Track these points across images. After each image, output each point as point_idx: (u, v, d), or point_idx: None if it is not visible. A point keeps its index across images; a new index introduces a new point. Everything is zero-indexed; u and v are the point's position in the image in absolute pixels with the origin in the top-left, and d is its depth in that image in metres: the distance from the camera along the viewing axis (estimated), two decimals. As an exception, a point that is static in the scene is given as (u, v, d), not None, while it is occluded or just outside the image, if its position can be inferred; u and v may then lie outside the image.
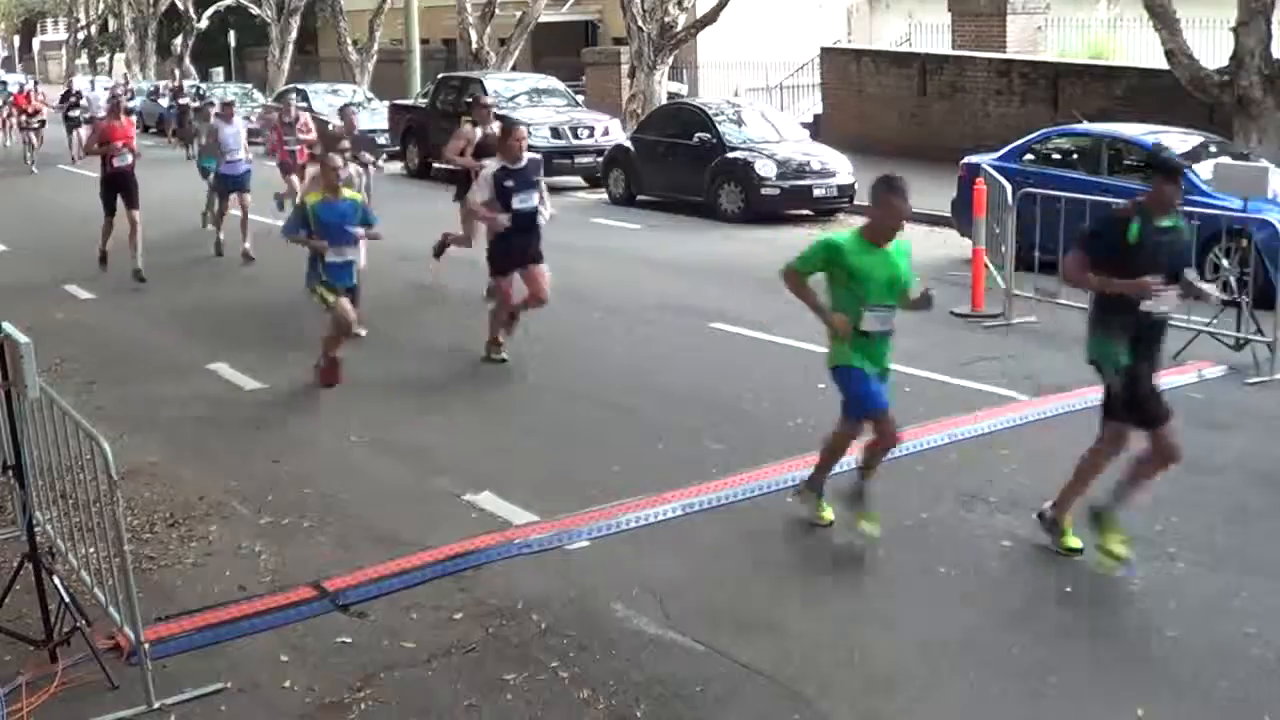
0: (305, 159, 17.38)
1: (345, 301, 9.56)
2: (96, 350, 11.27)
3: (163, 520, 7.16)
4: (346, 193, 9.72)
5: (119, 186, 14.54)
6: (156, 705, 5.12)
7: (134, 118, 14.85)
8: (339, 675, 5.41)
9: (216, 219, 16.78)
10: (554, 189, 23.00)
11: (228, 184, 16.34)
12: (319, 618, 5.95)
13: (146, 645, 5.15)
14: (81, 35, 65.64)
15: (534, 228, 10.20)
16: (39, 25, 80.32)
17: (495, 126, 12.94)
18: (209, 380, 10.25)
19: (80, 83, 36.29)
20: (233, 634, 5.79)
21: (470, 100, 16.44)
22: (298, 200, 12.16)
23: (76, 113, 29.21)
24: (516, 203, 10.00)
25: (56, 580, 5.57)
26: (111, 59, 60.27)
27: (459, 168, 13.58)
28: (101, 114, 31.90)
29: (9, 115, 32.18)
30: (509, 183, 10.00)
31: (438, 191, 20.33)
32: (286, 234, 9.88)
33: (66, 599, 5.48)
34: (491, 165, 10.16)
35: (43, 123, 29.59)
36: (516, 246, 10.16)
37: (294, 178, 17.58)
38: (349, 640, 5.71)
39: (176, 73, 41.06)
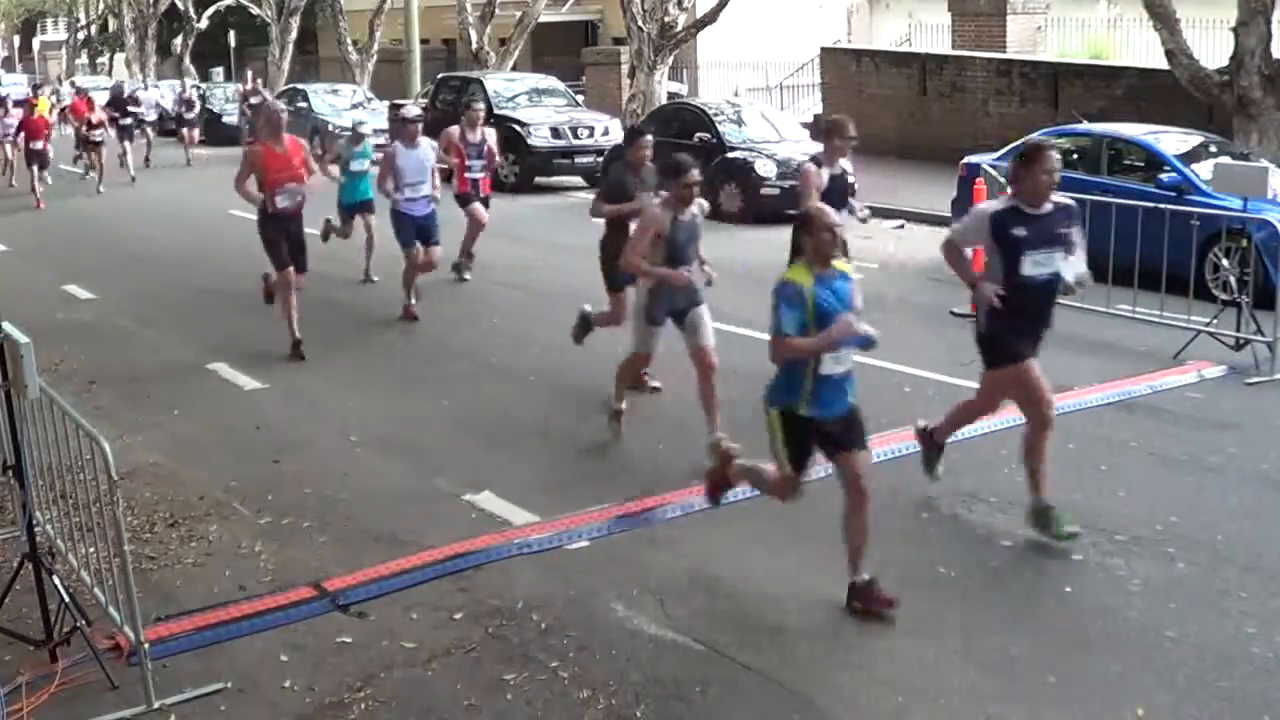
0: (488, 191, 14.32)
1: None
2: (96, 350, 11.26)
3: (163, 520, 7.16)
4: (838, 263, 5.94)
5: (288, 234, 10.57)
6: (156, 705, 5.12)
7: (299, 139, 10.93)
8: (339, 675, 5.41)
9: (406, 280, 12.25)
10: (554, 189, 23.24)
11: (407, 231, 12.13)
12: (319, 618, 5.95)
13: (146, 645, 5.15)
14: (81, 35, 65.63)
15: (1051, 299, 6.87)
16: (39, 25, 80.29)
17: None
18: (209, 380, 10.25)
19: (133, 84, 33.22)
20: (233, 634, 5.79)
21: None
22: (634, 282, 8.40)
23: (129, 120, 26.38)
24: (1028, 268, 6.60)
25: (56, 580, 5.57)
26: (111, 59, 60.25)
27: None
28: (149, 115, 28.79)
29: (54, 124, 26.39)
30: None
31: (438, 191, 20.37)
32: (783, 341, 5.71)
33: (66, 599, 5.48)
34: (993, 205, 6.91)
35: (103, 139, 24.36)
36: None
37: (477, 208, 13.98)
38: (349, 640, 5.71)
39: (249, 73, 35.87)
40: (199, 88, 36.28)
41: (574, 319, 9.70)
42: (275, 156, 10.35)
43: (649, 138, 9.76)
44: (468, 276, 14.03)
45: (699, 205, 8.02)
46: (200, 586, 6.31)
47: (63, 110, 29.12)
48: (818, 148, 10.51)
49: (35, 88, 27.73)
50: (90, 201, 22.92)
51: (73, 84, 36.78)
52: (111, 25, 60.74)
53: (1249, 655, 5.44)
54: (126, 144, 25.94)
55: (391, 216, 12.20)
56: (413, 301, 12.21)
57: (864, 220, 9.96)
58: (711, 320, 8.23)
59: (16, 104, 26.44)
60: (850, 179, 9.65)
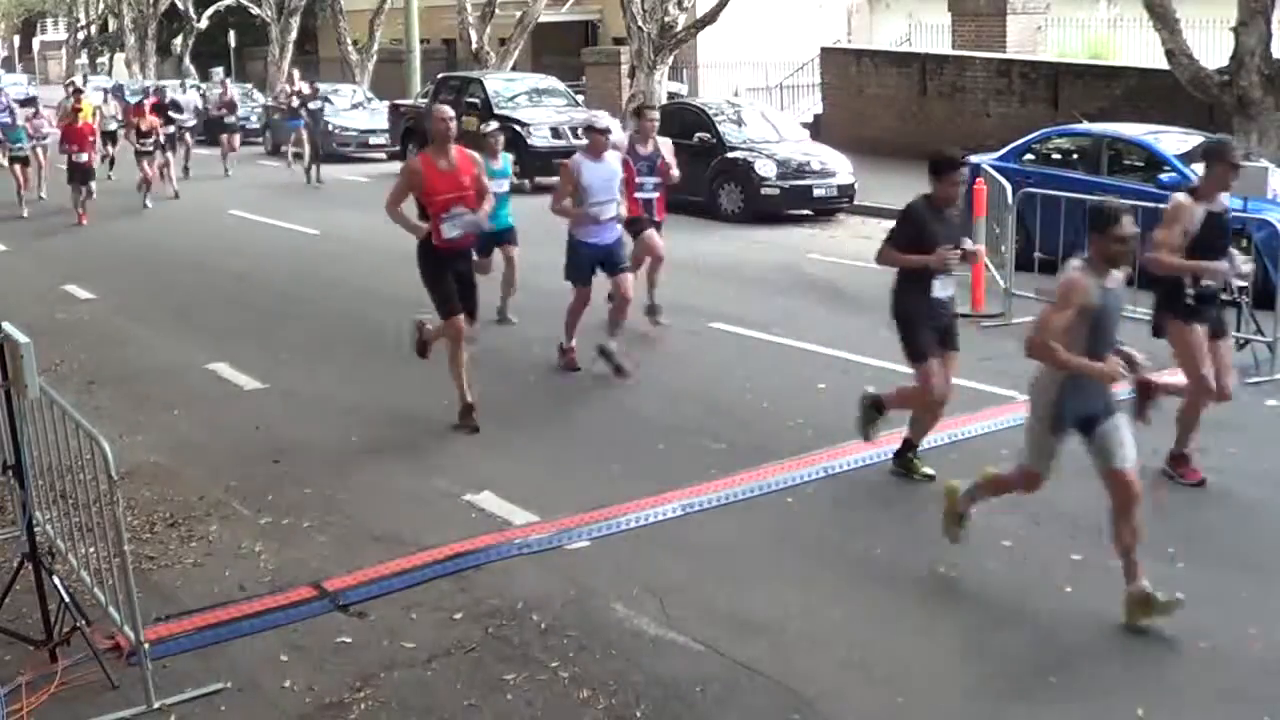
0: (663, 215, 11.62)
1: None
2: (96, 350, 11.26)
3: (163, 520, 7.16)
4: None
5: (457, 273, 8.70)
6: (156, 705, 5.12)
7: (469, 151, 8.72)
8: (339, 675, 5.41)
9: (571, 320, 10.17)
10: (554, 189, 23.18)
11: (584, 264, 9.90)
12: (319, 618, 5.95)
13: (146, 645, 5.15)
14: (81, 35, 65.65)
15: None
16: (39, 25, 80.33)
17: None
18: (209, 380, 10.24)
19: (173, 88, 30.07)
20: (233, 634, 5.78)
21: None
22: None
23: (171, 128, 23.86)
24: None
25: (56, 580, 5.57)
26: (111, 59, 60.27)
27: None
28: (190, 121, 25.77)
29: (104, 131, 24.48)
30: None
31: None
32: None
33: (66, 599, 5.48)
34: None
35: (154, 148, 22.17)
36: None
37: (652, 236, 11.31)
38: (349, 640, 5.71)
39: (295, 73, 32.70)
40: (243, 88, 34.98)
41: (856, 407, 7.83)
42: (440, 174, 8.37)
43: (964, 171, 7.54)
44: (664, 321, 11.65)
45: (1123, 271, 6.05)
46: (200, 586, 6.31)
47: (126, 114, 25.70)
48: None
49: (77, 90, 22.99)
50: (135, 218, 20.55)
51: (143, 89, 31.78)
52: (111, 25, 60.76)
53: (1249, 655, 5.44)
54: (169, 154, 23.09)
55: (568, 248, 9.98)
56: (573, 343, 10.14)
57: (1245, 277, 7.95)
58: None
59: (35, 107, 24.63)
60: (1230, 215, 7.69)
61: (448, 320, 8.62)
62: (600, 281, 10.10)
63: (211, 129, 27.82)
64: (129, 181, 22.10)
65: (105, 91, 33.86)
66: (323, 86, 31.29)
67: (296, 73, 32.28)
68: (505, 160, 12.15)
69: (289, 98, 27.63)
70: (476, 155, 8.89)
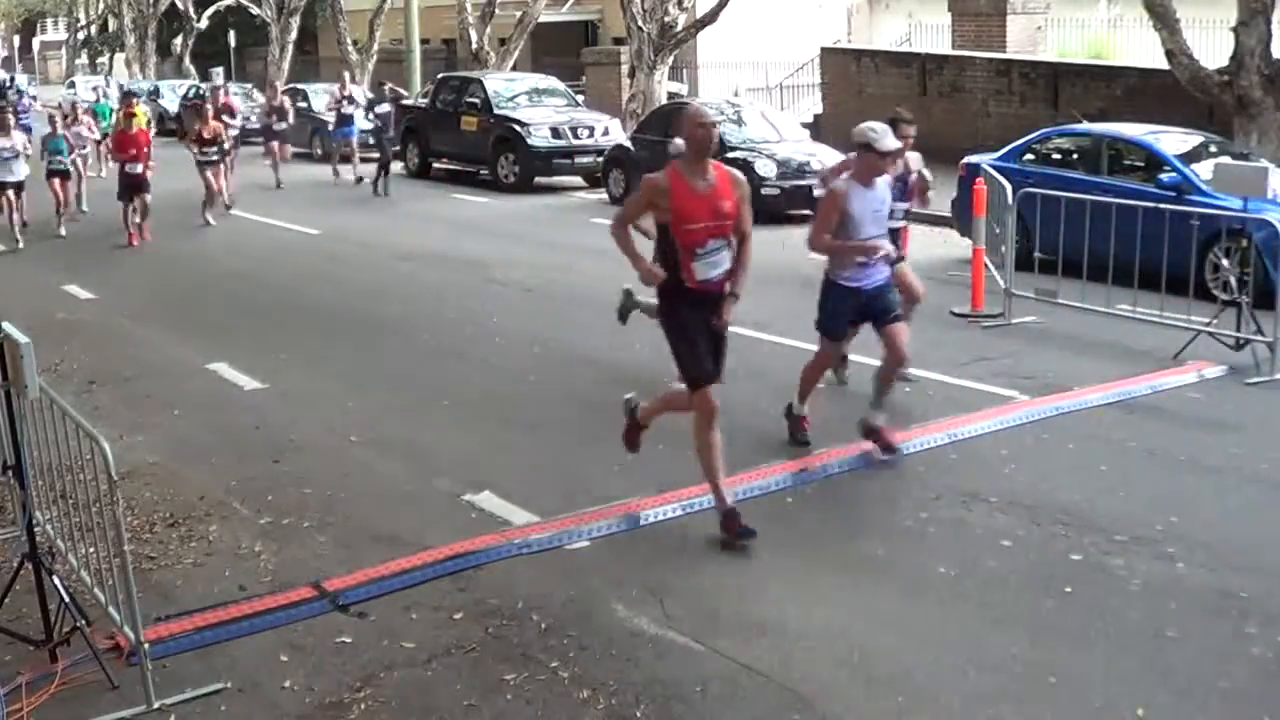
0: (908, 246, 9.93)
1: None
2: (96, 350, 11.27)
3: (163, 520, 7.16)
4: None
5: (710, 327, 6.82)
6: (156, 705, 5.12)
7: (730, 170, 6.77)
8: (339, 675, 5.41)
9: (808, 379, 8.36)
10: (554, 189, 23.22)
11: (843, 312, 8.07)
12: (319, 618, 5.95)
13: (146, 645, 5.15)
14: (81, 35, 65.67)
15: None
16: (39, 25, 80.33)
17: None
18: (209, 380, 10.25)
19: (236, 95, 28.08)
20: (233, 634, 5.78)
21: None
22: None
23: (235, 132, 22.47)
24: None
25: (56, 580, 5.57)
26: (111, 59, 60.29)
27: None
28: (235, 131, 21.87)
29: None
30: None
31: (438, 190, 20.39)
32: None
33: (66, 599, 5.48)
34: None
35: (218, 158, 19.64)
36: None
37: (907, 273, 9.35)
38: (349, 640, 5.71)
39: (345, 76, 28.12)
40: (243, 88, 33.70)
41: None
42: (695, 197, 6.48)
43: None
44: (911, 377, 9.37)
45: None
46: (200, 586, 6.31)
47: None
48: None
49: (129, 93, 21.21)
50: (193, 237, 18.34)
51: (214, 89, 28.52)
52: (111, 25, 60.78)
53: (1249, 655, 5.44)
54: (222, 165, 20.30)
55: (824, 291, 8.08)
56: (806, 407, 8.38)
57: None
58: None
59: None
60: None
61: (698, 392, 6.70)
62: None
63: (258, 136, 25.46)
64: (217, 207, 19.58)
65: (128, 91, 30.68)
66: (322, 86, 30.82)
67: (347, 75, 28.05)
68: (884, 182, 9.54)
69: (338, 102, 24.99)
70: (740, 175, 6.82)
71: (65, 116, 20.78)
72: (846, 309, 8.04)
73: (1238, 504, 7.17)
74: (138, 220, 17.32)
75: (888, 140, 7.74)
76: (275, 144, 24.01)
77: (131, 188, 17.20)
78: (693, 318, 6.68)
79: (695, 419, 6.79)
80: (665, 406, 7.36)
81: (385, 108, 23.02)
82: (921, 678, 5.32)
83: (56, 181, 18.34)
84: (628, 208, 7.10)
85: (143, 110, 21.05)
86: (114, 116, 22.45)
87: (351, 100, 24.54)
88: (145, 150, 17.50)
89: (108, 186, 19.59)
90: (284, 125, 24.70)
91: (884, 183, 8.02)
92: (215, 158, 19.28)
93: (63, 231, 18.22)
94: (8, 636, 5.56)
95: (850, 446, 7.97)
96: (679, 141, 6.96)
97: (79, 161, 19.94)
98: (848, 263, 7.86)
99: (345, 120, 24.57)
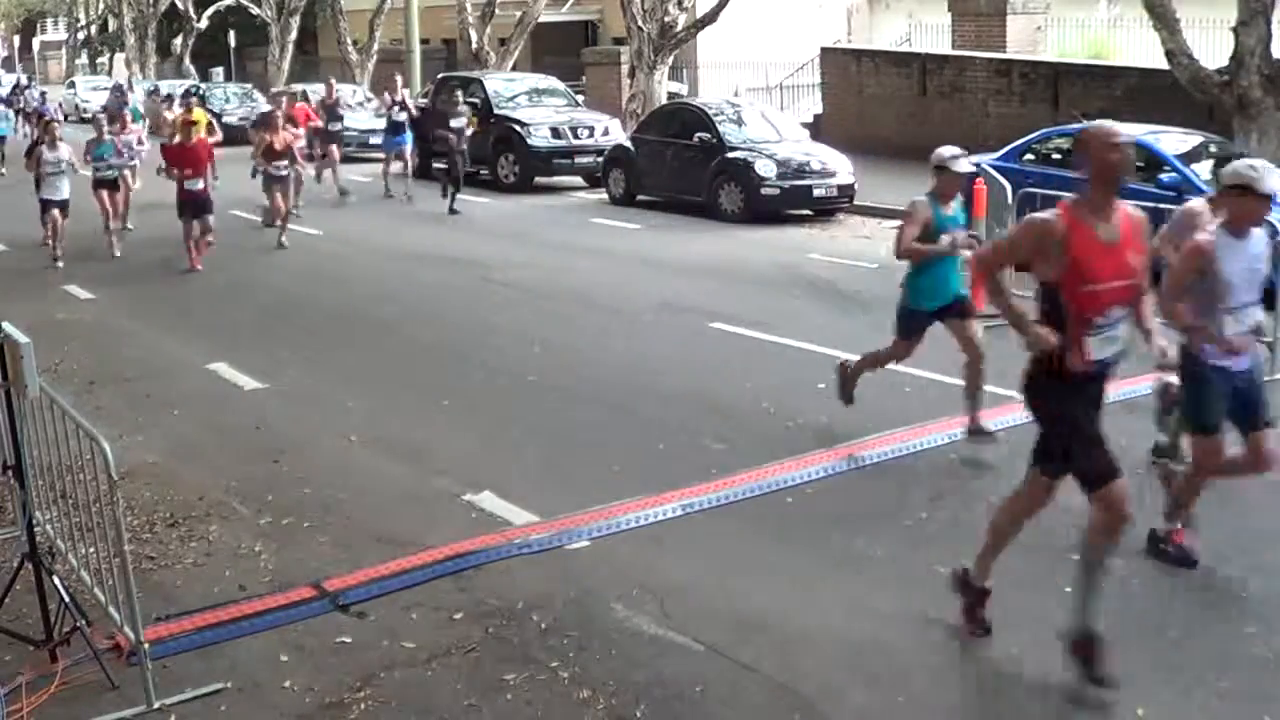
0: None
1: None
2: (96, 350, 11.27)
3: (163, 520, 7.17)
4: None
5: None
6: (156, 705, 5.12)
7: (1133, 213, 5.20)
8: (339, 675, 5.41)
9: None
10: (554, 189, 23.23)
11: (1218, 403, 6.11)
12: (319, 618, 5.95)
13: (146, 645, 5.15)
14: (81, 35, 65.68)
15: None
16: (39, 25, 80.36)
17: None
18: (209, 380, 10.25)
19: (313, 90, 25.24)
20: (233, 634, 5.78)
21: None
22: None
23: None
24: None
25: (56, 580, 5.57)
26: (111, 59, 60.31)
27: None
28: (301, 143, 18.02)
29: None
30: None
31: (439, 190, 20.38)
32: None
33: (66, 599, 5.48)
34: None
35: (288, 172, 17.36)
36: None
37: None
38: (349, 640, 5.71)
39: (398, 79, 24.26)
40: (243, 88, 32.33)
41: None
42: (1101, 249, 4.99)
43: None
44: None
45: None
46: (200, 586, 6.31)
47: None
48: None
49: (189, 93, 19.30)
50: (264, 262, 16.15)
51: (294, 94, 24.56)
52: (111, 25, 60.81)
53: (1249, 655, 5.44)
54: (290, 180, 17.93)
55: (1190, 374, 6.19)
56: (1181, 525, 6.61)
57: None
58: None
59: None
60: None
61: (1104, 489, 5.17)
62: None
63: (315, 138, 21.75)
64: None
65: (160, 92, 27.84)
66: (319, 86, 30.14)
67: (400, 78, 24.37)
68: (957, 203, 8.33)
69: (389, 108, 22.38)
70: (1140, 215, 5.25)
71: (113, 120, 18.62)
72: (1219, 399, 6.15)
73: (1238, 504, 7.17)
74: (200, 237, 15.16)
75: (1271, 180, 5.94)
76: (332, 147, 21.75)
77: (191, 205, 15.00)
78: (1081, 401, 5.30)
79: (1096, 524, 5.25)
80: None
81: (459, 121, 20.38)
82: (922, 677, 5.32)
83: (105, 193, 16.40)
84: (996, 253, 5.69)
85: (202, 114, 18.81)
86: (145, 121, 19.72)
87: (403, 107, 22.01)
88: (208, 163, 15.42)
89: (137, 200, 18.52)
90: (338, 126, 22.40)
91: (1261, 235, 6.12)
92: (285, 172, 17.02)
93: (117, 251, 16.25)
94: (8, 636, 5.56)
95: (850, 447, 7.96)
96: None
97: (127, 174, 17.84)
98: (1208, 335, 6.00)
99: (397, 128, 22.01)
